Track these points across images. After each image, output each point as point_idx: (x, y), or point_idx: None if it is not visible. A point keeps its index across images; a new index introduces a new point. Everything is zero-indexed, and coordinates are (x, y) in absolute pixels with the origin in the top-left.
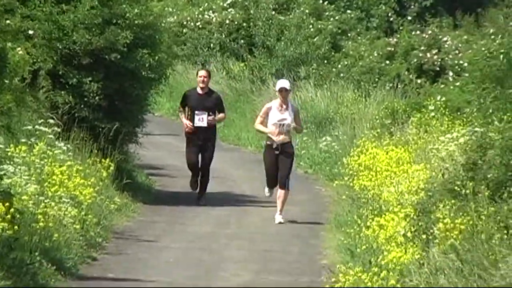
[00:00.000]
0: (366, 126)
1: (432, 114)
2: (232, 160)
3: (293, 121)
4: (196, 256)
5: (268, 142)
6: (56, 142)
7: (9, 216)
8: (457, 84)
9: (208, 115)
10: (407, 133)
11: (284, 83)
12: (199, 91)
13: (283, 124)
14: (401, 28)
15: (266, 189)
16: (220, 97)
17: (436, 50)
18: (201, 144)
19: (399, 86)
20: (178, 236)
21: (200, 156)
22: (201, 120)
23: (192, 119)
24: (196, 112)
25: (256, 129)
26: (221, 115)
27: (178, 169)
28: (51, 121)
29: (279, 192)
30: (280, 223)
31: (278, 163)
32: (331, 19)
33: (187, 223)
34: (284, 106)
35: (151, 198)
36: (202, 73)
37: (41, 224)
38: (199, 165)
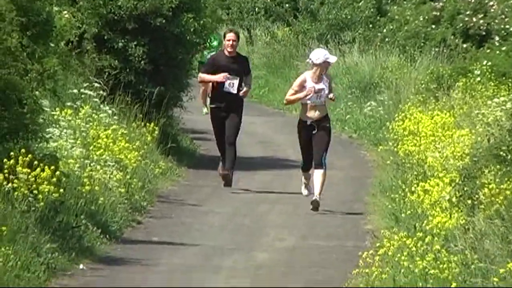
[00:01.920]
0: (411, 91)
1: (478, 79)
2: (277, 124)
3: (328, 92)
4: (240, 221)
5: (303, 118)
6: (101, 106)
7: (55, 179)
8: (503, 48)
9: (239, 81)
10: (453, 98)
11: (322, 55)
12: (228, 54)
13: (320, 95)
14: None
15: (303, 188)
16: (248, 60)
17: (482, 15)
18: (227, 114)
19: (444, 51)
20: (222, 201)
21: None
22: (232, 86)
23: (219, 87)
24: (228, 76)
25: (287, 102)
26: (250, 78)
27: None
28: (97, 84)
29: (316, 173)
30: (316, 208)
31: (314, 139)
32: None
33: (231, 188)
34: (319, 77)
35: (196, 162)
36: (231, 35)
37: (86, 187)
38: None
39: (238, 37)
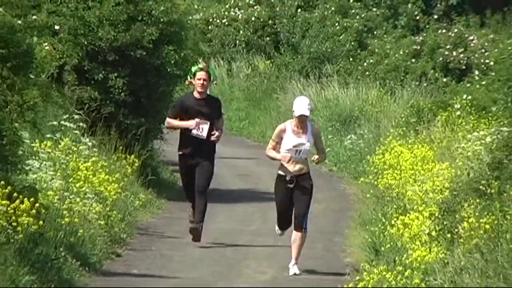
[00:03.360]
0: (391, 124)
1: (458, 113)
2: (257, 157)
3: (310, 148)
4: (221, 253)
5: (281, 172)
6: (82, 138)
7: (34, 211)
8: (483, 83)
9: (210, 124)
10: (433, 132)
11: (303, 107)
12: (197, 95)
13: (300, 151)
14: (427, 26)
15: (277, 227)
16: (220, 102)
17: (462, 49)
18: (197, 163)
19: (424, 85)
20: (203, 233)
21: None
22: (201, 130)
23: (187, 131)
24: (197, 120)
25: (267, 156)
26: (221, 122)
27: None
28: (76, 116)
29: (294, 235)
30: (295, 274)
31: (293, 199)
32: (357, 16)
33: (211, 220)
34: (302, 130)
35: (176, 194)
36: (201, 74)
37: (66, 219)
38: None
39: (209, 76)
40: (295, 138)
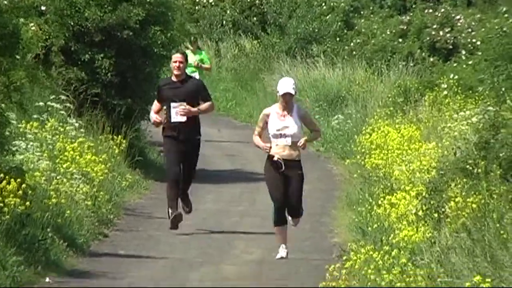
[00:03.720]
0: (378, 104)
1: (445, 92)
2: (244, 137)
3: (300, 131)
4: (208, 234)
5: (270, 153)
6: (68, 119)
7: (21, 192)
8: (470, 62)
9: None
10: (420, 112)
11: (287, 85)
12: (174, 78)
13: (284, 134)
14: (413, 6)
15: (282, 250)
16: (202, 83)
17: (449, 29)
18: (183, 151)
19: (411, 65)
20: (190, 214)
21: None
22: (179, 114)
23: (169, 116)
24: (173, 104)
25: (254, 143)
26: (206, 104)
27: None
28: (63, 97)
29: (292, 220)
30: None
31: (286, 185)
32: None
33: (199, 201)
34: (286, 112)
35: (163, 175)
36: (177, 57)
37: (53, 200)
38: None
39: (186, 58)
40: (279, 122)
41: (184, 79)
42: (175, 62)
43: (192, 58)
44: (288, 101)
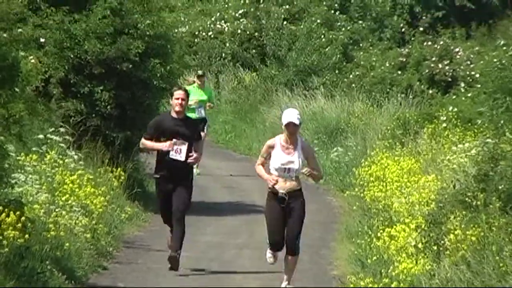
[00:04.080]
0: (378, 136)
1: (444, 125)
2: (243, 170)
3: (302, 166)
4: (207, 266)
5: (271, 189)
6: (67, 151)
7: (20, 224)
8: (469, 95)
9: (188, 146)
10: (419, 144)
11: (291, 115)
12: (175, 115)
13: (289, 169)
14: (413, 39)
15: (269, 253)
16: (199, 123)
17: (448, 61)
18: (174, 187)
19: (410, 97)
20: (189, 246)
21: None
22: (178, 152)
23: (164, 153)
24: (174, 141)
25: (256, 172)
26: (201, 143)
27: None
28: (62, 129)
29: (288, 259)
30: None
31: (286, 220)
32: (343, 29)
33: (198, 233)
34: (292, 146)
35: None
36: (179, 93)
37: (52, 233)
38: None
39: (187, 95)
40: (284, 156)
41: (184, 117)
42: (177, 99)
43: (195, 96)
44: (292, 132)
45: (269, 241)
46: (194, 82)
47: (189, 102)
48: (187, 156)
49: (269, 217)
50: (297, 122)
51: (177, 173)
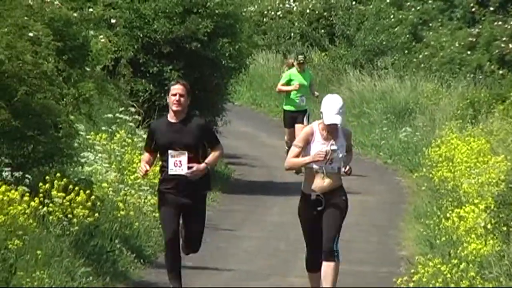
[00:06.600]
0: (447, 117)
1: None
2: None
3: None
4: (274, 246)
5: (306, 191)
6: (136, 130)
7: (89, 203)
8: None
9: (190, 156)
10: (489, 124)
11: (333, 113)
12: (171, 119)
13: (331, 160)
14: (483, 18)
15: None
16: (207, 125)
17: None
18: (183, 204)
19: (480, 77)
20: (257, 226)
21: (182, 223)
22: (178, 165)
23: (166, 167)
24: (171, 153)
25: (288, 167)
26: (215, 155)
27: (256, 158)
28: (132, 109)
29: (325, 268)
30: None
31: (322, 220)
32: (412, 9)
33: (266, 213)
34: (332, 134)
35: (230, 187)
36: (177, 88)
37: (121, 212)
38: (183, 238)
39: (188, 91)
40: (326, 144)
41: (185, 118)
42: (175, 95)
43: (296, 80)
44: (334, 130)
45: (306, 254)
46: (293, 65)
47: (291, 87)
48: (191, 173)
49: (303, 225)
50: (339, 122)
51: (184, 188)
